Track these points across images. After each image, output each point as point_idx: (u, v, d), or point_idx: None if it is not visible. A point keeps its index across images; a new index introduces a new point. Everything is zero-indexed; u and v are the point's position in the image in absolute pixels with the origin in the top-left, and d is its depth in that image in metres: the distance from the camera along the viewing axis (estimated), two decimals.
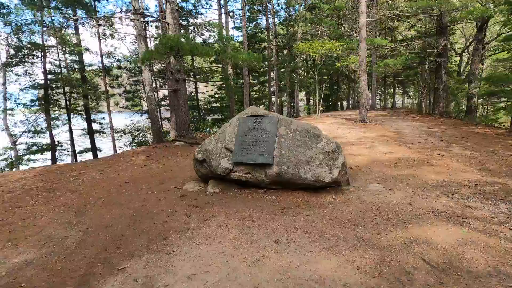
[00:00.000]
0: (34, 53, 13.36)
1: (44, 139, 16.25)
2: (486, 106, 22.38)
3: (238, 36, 26.13)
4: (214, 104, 24.11)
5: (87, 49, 15.88)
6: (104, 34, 15.39)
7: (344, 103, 35.14)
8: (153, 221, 3.51)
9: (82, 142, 18.55)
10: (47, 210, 4.10)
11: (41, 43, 12.70)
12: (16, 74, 14.15)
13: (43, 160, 16.31)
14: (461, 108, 21.57)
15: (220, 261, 2.53)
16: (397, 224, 2.98)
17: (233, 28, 28.26)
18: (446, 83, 16.34)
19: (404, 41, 20.62)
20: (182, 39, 6.33)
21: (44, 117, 15.77)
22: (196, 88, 21.50)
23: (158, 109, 17.99)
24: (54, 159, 13.92)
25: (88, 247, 2.97)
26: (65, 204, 4.36)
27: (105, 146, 18.37)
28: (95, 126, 17.52)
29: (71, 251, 2.90)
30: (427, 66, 17.52)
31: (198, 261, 2.55)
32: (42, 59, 12.90)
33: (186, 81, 21.51)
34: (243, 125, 4.44)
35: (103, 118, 17.54)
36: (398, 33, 27.32)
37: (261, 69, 26.25)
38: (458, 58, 22.06)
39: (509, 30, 16.49)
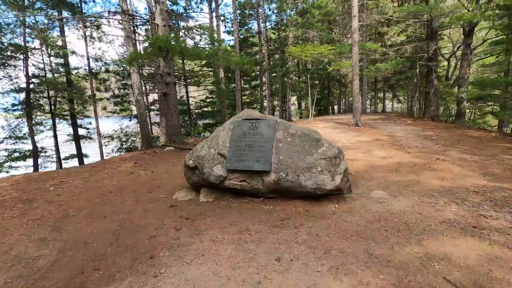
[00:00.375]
0: (17, 55, 12.74)
1: (27, 145, 15.50)
2: (473, 110, 22.78)
3: (230, 40, 25.97)
4: (206, 109, 23.74)
5: (73, 52, 15.33)
6: (91, 37, 14.90)
7: (335, 107, 35.31)
8: (139, 236, 3.15)
9: (68, 148, 17.84)
10: (20, 225, 3.68)
11: (22, 44, 12.10)
12: None
13: (25, 167, 15.54)
14: (450, 112, 21.85)
15: (214, 284, 2.20)
16: (410, 237, 2.71)
17: (224, 32, 28.01)
18: (437, 87, 16.49)
19: (395, 46, 20.83)
20: (172, 40, 6.04)
21: (33, 122, 15.09)
22: (187, 92, 21.12)
23: (147, 113, 17.53)
24: (36, 166, 13.25)
25: (62, 269, 2.59)
26: (41, 217, 3.94)
27: (92, 152, 17.71)
28: (81, 132, 16.87)
29: (42, 274, 2.51)
30: (417, 70, 17.66)
31: (190, 285, 2.22)
32: (24, 61, 12.30)
33: (177, 85, 21.11)
34: (238, 129, 4.14)
35: (90, 123, 16.93)
36: (388, 38, 27.72)
37: (253, 74, 26.09)
38: (446, 63, 22.45)
39: (495, 36, 16.83)
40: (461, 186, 4.12)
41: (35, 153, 12.94)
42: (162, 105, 10.92)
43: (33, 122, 15.06)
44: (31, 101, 15.17)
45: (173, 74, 10.17)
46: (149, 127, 18.55)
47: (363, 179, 4.82)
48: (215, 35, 13.86)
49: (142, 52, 6.76)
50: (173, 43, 6.11)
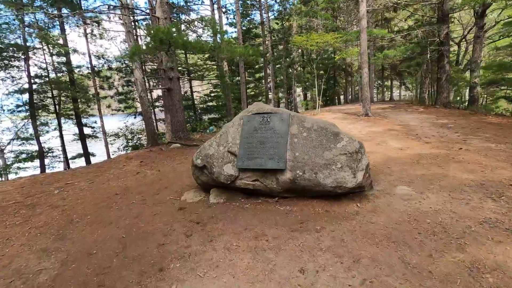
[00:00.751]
0: (18, 55, 12.57)
1: (34, 146, 15.51)
2: (485, 96, 22.02)
3: (232, 32, 25.41)
4: (210, 103, 23.45)
5: (75, 50, 15.11)
6: (92, 34, 14.63)
7: (341, 97, 34.69)
8: (147, 244, 2.91)
9: (75, 148, 17.81)
10: (22, 234, 3.48)
11: (22, 44, 11.89)
12: (1, 79, 13.36)
13: (34, 168, 15.58)
14: (462, 98, 21.13)
15: None
16: (449, 241, 2.41)
17: (226, 24, 27.51)
18: (449, 72, 15.86)
19: (402, 31, 20.09)
20: (174, 32, 5.72)
21: (38, 123, 15.04)
22: (191, 87, 20.81)
23: (152, 110, 17.31)
24: (43, 167, 13.20)
25: (64, 284, 2.36)
26: (45, 224, 3.74)
27: (99, 150, 17.65)
28: (87, 131, 16.78)
29: None
30: (428, 56, 17.00)
31: None
32: (25, 61, 12.12)
33: (181, 80, 20.82)
34: (248, 125, 3.84)
35: (95, 122, 16.81)
36: (395, 24, 26.88)
37: (257, 66, 25.62)
38: (456, 47, 21.62)
39: (508, 17, 16.03)
40: (493, 179, 3.77)
41: (41, 153, 12.87)
42: (167, 101, 10.66)
43: (39, 122, 15.00)
44: (35, 101, 15.09)
45: (176, 69, 9.87)
46: (154, 124, 18.37)
47: (383, 174, 4.49)
48: (218, 27, 13.47)
49: (146, 47, 6.47)
50: (175, 35, 5.79)
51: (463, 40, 20.10)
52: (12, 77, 13.85)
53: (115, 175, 6.36)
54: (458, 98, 20.79)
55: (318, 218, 3.13)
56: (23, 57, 12.52)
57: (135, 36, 14.83)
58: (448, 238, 2.45)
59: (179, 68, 20.34)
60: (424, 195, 3.50)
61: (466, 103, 16.90)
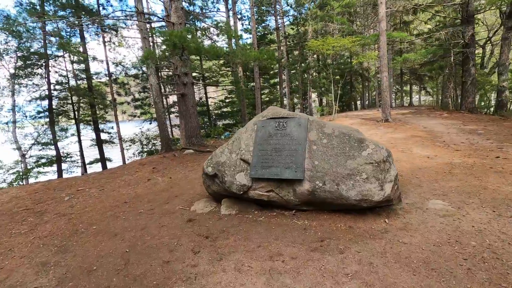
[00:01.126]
0: (40, 62, 12.96)
1: (53, 151, 15.92)
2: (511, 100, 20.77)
3: (247, 38, 25.43)
4: (225, 109, 23.43)
5: (94, 58, 15.49)
6: (111, 42, 14.94)
7: (358, 103, 33.90)
8: (151, 261, 2.65)
9: (93, 153, 18.16)
10: (25, 244, 3.32)
11: (43, 52, 12.24)
12: (23, 85, 13.83)
13: (53, 172, 15.97)
14: (488, 102, 19.99)
15: None
16: (506, 271, 2.00)
17: (241, 30, 27.61)
18: (474, 76, 15.03)
19: (422, 34, 19.36)
20: (187, 36, 5.57)
21: (58, 128, 15.45)
22: (205, 93, 20.86)
23: (166, 116, 17.42)
24: (60, 172, 13.43)
25: None
26: (49, 234, 3.58)
27: (115, 156, 17.89)
28: (104, 136, 17.06)
29: None
30: (452, 58, 16.21)
31: None
32: (45, 69, 12.46)
33: (195, 85, 20.92)
34: (262, 130, 3.56)
35: (112, 128, 17.07)
36: (413, 27, 26.13)
37: (272, 72, 25.48)
38: (480, 50, 20.58)
39: None
40: None
41: (58, 158, 13.11)
42: (181, 107, 10.59)
43: (58, 128, 15.39)
44: (56, 108, 15.52)
45: (190, 74, 9.78)
46: (169, 129, 18.47)
47: (411, 185, 4.07)
48: (232, 32, 13.37)
49: (160, 53, 6.41)
50: (188, 39, 5.64)
51: (488, 42, 19.11)
52: (36, 84, 14.34)
53: (126, 181, 6.22)
54: (483, 103, 19.68)
55: (340, 236, 2.77)
56: (44, 64, 12.89)
57: (151, 43, 15.03)
58: (503, 267, 2.04)
59: (194, 74, 20.49)
60: (463, 210, 3.07)
61: (493, 108, 15.94)
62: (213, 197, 4.05)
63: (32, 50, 12.78)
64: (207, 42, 18.31)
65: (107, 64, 14.78)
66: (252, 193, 3.42)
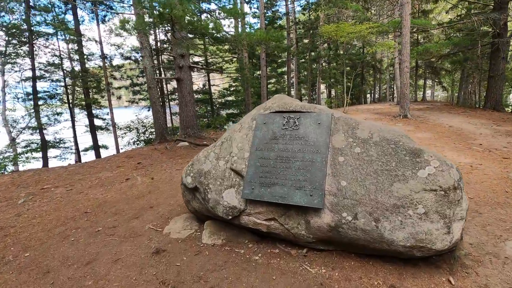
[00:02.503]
0: (25, 39, 11.87)
1: (47, 136, 15.12)
2: None
3: (255, 23, 23.86)
4: (229, 98, 22.27)
5: (88, 39, 14.36)
6: (104, 19, 13.76)
7: (367, 96, 32.45)
8: None
9: (90, 139, 17.29)
10: None
11: (27, 27, 11.10)
12: (11, 64, 12.82)
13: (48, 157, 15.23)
14: (501, 100, 18.44)
15: None
16: None
17: (249, 14, 26.07)
18: (503, 70, 13.59)
19: (445, 23, 17.76)
20: (177, 3, 4.44)
21: (50, 112, 14.55)
22: (208, 80, 19.65)
23: (161, 102, 16.34)
24: (45, 159, 12.55)
25: None
26: None
27: (112, 143, 16.99)
28: (98, 122, 16.12)
29: None
30: (479, 50, 14.72)
31: None
32: (29, 46, 11.38)
33: (198, 71, 19.71)
34: (264, 129, 2.47)
35: (108, 114, 16.10)
36: (433, 17, 24.46)
37: (280, 60, 24.11)
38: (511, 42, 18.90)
39: None
40: None
41: (44, 145, 12.19)
42: (178, 93, 9.51)
43: (49, 112, 14.47)
44: (47, 90, 14.56)
45: (187, 57, 8.64)
46: (166, 117, 17.41)
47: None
48: (239, 10, 12.03)
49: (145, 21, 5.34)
50: (177, 8, 4.49)
51: None
52: (20, 66, 13.29)
53: (102, 180, 5.22)
54: (509, 101, 18.20)
55: None
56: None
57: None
58: None
59: (197, 59, 19.25)
60: None
61: None
62: (195, 215, 3.01)
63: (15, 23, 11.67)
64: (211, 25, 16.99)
65: (101, 44, 13.65)
66: (246, 219, 2.37)
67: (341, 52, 21.42)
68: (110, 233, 2.97)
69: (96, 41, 13.80)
